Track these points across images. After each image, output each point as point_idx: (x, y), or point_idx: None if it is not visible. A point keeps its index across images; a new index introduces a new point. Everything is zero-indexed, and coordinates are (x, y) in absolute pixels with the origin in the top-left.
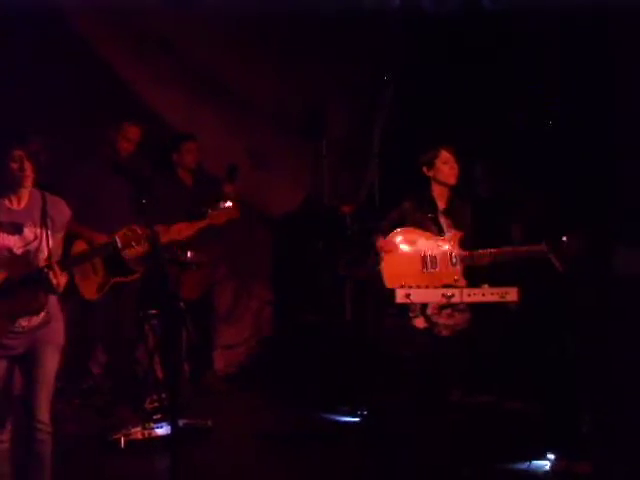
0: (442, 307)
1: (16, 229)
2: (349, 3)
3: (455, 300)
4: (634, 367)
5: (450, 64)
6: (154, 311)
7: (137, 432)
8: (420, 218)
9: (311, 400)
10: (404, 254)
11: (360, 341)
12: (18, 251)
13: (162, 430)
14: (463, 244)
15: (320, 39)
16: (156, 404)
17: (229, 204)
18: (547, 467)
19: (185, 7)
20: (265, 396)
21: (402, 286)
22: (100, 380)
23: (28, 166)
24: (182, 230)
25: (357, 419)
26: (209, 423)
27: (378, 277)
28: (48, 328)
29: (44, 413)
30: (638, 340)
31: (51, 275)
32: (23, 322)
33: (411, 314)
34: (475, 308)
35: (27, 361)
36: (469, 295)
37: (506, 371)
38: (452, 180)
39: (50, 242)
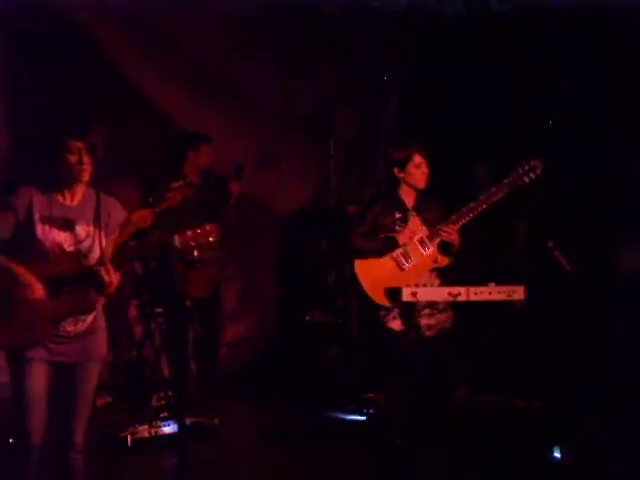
0: (422, 308)
1: (68, 226)
2: (357, 3)
3: (461, 298)
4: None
5: (456, 64)
6: (160, 309)
7: (144, 430)
8: (389, 220)
9: (317, 398)
10: (374, 262)
11: (365, 339)
12: (69, 248)
13: (169, 428)
14: (428, 225)
15: (328, 39)
16: (163, 402)
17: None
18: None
19: (193, 8)
20: (271, 394)
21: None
22: (107, 378)
23: (87, 160)
24: (146, 217)
25: (363, 417)
26: (216, 421)
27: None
28: (94, 338)
29: (80, 434)
30: None
31: (103, 272)
32: (69, 327)
33: (387, 316)
34: (458, 307)
35: (70, 373)
36: (475, 293)
37: (509, 369)
38: (422, 184)
39: (103, 243)
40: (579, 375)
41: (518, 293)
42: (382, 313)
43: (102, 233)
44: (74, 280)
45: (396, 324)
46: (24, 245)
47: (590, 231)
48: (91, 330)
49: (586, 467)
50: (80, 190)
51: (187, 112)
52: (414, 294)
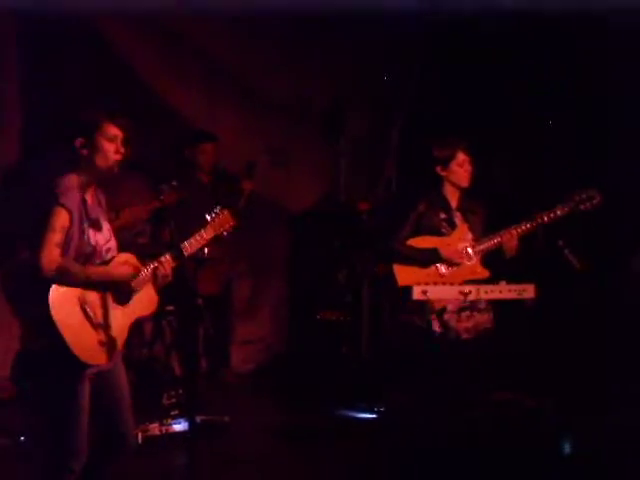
0: (460, 310)
1: (99, 226)
2: (369, 3)
3: (472, 297)
4: None
5: (468, 62)
6: (171, 307)
7: (155, 428)
8: (434, 220)
9: (328, 397)
10: (414, 268)
11: (376, 338)
12: (102, 250)
13: (180, 426)
14: (474, 234)
15: (339, 38)
16: (173, 400)
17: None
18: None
19: (206, 7)
20: (282, 392)
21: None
22: None
23: (124, 151)
24: (136, 212)
25: (374, 415)
26: (226, 419)
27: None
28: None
29: (132, 431)
30: None
31: (160, 268)
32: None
33: (429, 317)
34: (497, 307)
35: (107, 376)
36: (486, 292)
37: (523, 368)
38: (465, 183)
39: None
40: (589, 374)
41: (529, 291)
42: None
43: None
44: (146, 279)
45: (435, 326)
46: (72, 251)
47: (601, 230)
48: (128, 333)
49: (594, 464)
50: (92, 187)
51: (198, 111)
52: (424, 292)
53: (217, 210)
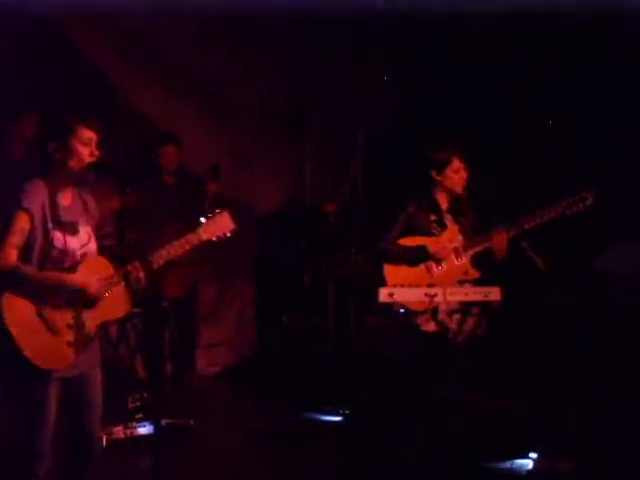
0: (452, 312)
1: (74, 229)
2: (333, 2)
3: (438, 299)
4: (622, 365)
5: (439, 62)
6: (136, 310)
7: (119, 431)
8: (424, 221)
9: (294, 399)
10: (404, 268)
11: (342, 340)
12: (78, 254)
13: (144, 429)
14: (465, 235)
15: (302, 37)
16: (138, 403)
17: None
18: (530, 466)
19: (168, 8)
20: (248, 395)
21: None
22: None
23: (97, 153)
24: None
25: (340, 418)
26: (191, 422)
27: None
28: (96, 344)
29: (97, 441)
30: (624, 338)
31: (134, 271)
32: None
33: (421, 319)
34: (489, 313)
35: (79, 383)
36: (452, 294)
37: (494, 369)
38: (459, 189)
39: (96, 242)
40: (558, 375)
41: (494, 294)
42: (417, 317)
43: (94, 231)
44: (115, 283)
45: (430, 326)
46: (36, 252)
47: (564, 230)
48: (94, 337)
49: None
50: (71, 189)
51: (161, 113)
52: (391, 294)
53: (216, 211)
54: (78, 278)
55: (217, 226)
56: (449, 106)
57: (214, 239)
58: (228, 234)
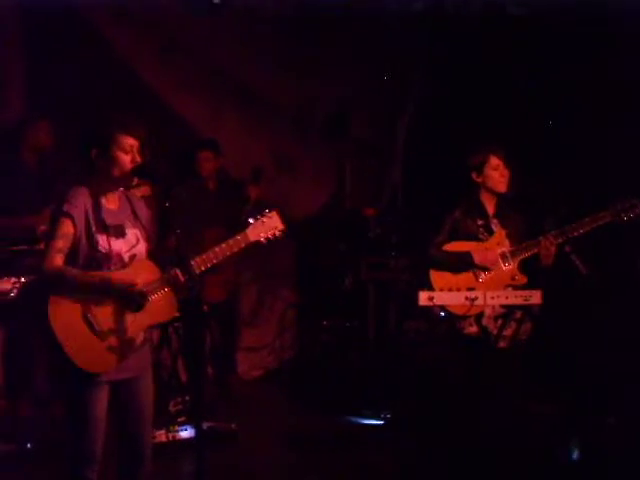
0: (497, 317)
1: (120, 232)
2: (373, 5)
3: (479, 303)
4: None
5: (474, 66)
6: (177, 314)
7: (161, 435)
8: (471, 226)
9: (335, 403)
10: (450, 274)
11: (382, 344)
12: (126, 257)
13: (186, 433)
14: (512, 240)
15: (344, 42)
16: (180, 407)
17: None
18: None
19: (209, 12)
20: (289, 399)
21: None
22: None
23: (139, 159)
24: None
25: (381, 422)
26: (233, 426)
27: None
28: (147, 348)
29: (149, 447)
30: None
31: (180, 274)
32: (135, 343)
33: (463, 323)
34: (537, 317)
35: (130, 387)
36: (492, 298)
37: (537, 374)
38: (502, 188)
39: (145, 244)
40: (596, 379)
41: (535, 297)
42: (460, 321)
43: (144, 233)
44: (160, 287)
45: (472, 330)
46: (82, 257)
47: (607, 235)
48: (145, 340)
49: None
50: (118, 193)
51: (203, 117)
52: (431, 298)
53: (265, 212)
54: (124, 276)
55: (266, 227)
56: (492, 107)
57: (262, 240)
58: (278, 234)
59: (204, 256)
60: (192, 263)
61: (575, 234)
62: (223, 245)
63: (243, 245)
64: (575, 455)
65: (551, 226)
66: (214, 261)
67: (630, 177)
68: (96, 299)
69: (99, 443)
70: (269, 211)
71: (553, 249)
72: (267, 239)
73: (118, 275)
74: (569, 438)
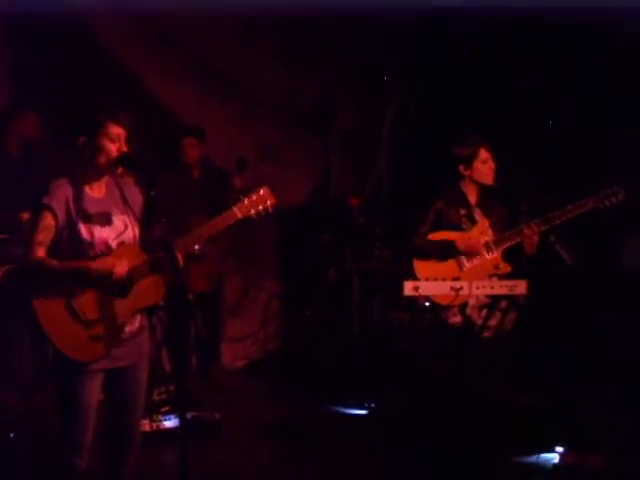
0: (481, 307)
1: (106, 220)
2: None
3: (464, 293)
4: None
5: (459, 60)
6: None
7: (145, 424)
8: (454, 216)
9: (318, 393)
10: (434, 263)
11: (366, 334)
12: (113, 244)
13: (170, 422)
14: (495, 229)
15: (329, 33)
16: (164, 396)
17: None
18: (556, 460)
19: (196, 4)
20: (272, 389)
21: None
22: None
23: (125, 149)
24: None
25: (364, 412)
26: (217, 416)
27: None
28: (143, 336)
29: (138, 435)
30: None
31: (169, 256)
32: (127, 327)
33: (447, 313)
34: (522, 307)
35: (124, 375)
36: (477, 287)
37: (521, 364)
38: (489, 180)
39: (137, 229)
40: (581, 371)
41: (520, 287)
42: (444, 311)
43: (134, 219)
44: (145, 271)
45: (456, 319)
46: (66, 247)
47: (592, 225)
48: (141, 328)
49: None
50: (104, 181)
51: (188, 107)
52: (416, 288)
53: (255, 189)
54: (103, 262)
55: (256, 202)
56: (475, 100)
57: (253, 215)
58: (269, 209)
59: (191, 234)
60: (181, 242)
61: (558, 222)
62: (209, 223)
63: (232, 222)
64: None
65: (524, 214)
66: (202, 240)
67: (618, 168)
68: (80, 288)
69: (89, 431)
70: (258, 187)
71: (536, 238)
72: (258, 214)
73: (97, 263)
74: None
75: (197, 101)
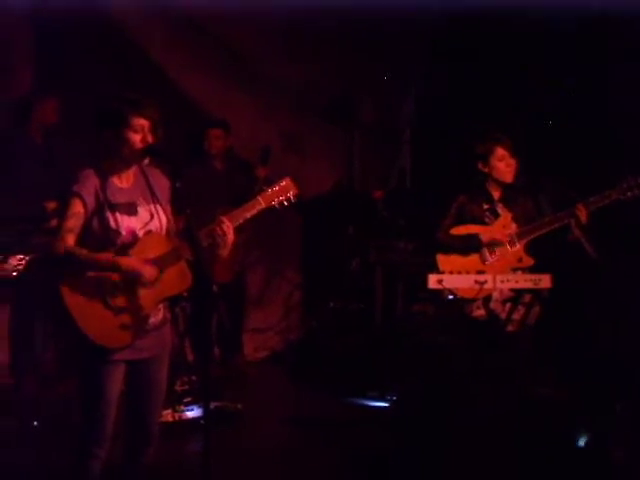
0: (505, 301)
1: (133, 210)
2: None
3: (488, 286)
4: None
5: (482, 54)
6: (185, 293)
7: (167, 414)
8: (477, 210)
9: (340, 385)
10: (457, 257)
11: (389, 327)
12: (140, 233)
13: (192, 413)
14: (518, 223)
15: (353, 26)
16: (186, 387)
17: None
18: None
19: None
20: (294, 380)
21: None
22: None
23: (151, 139)
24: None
25: (385, 404)
26: (239, 407)
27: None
28: (166, 328)
29: (156, 427)
30: None
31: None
32: (150, 319)
33: (471, 306)
34: (546, 302)
35: (145, 367)
36: (502, 281)
37: (544, 358)
38: (508, 178)
39: (164, 218)
40: (605, 364)
41: (545, 281)
42: (468, 305)
43: (161, 208)
44: (171, 260)
45: (480, 313)
46: (94, 236)
47: (617, 218)
48: (164, 320)
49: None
50: (132, 171)
51: (211, 98)
52: (440, 281)
53: (278, 180)
54: (132, 262)
55: (279, 192)
56: (502, 92)
57: (277, 205)
58: (292, 199)
59: (217, 223)
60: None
61: (600, 205)
62: (234, 212)
63: (256, 211)
64: (582, 441)
65: (547, 207)
66: (232, 226)
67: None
68: (108, 276)
69: (110, 421)
70: (281, 178)
71: (585, 218)
72: (281, 204)
73: (126, 261)
74: (577, 423)
75: (221, 92)
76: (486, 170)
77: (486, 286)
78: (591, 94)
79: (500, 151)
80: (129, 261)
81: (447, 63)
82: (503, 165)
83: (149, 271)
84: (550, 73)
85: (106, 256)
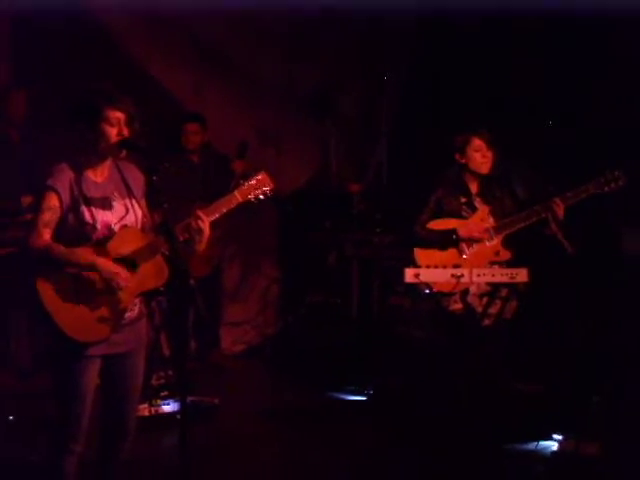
0: (482, 295)
1: (107, 204)
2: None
3: (465, 280)
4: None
5: (461, 50)
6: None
7: (144, 409)
8: (454, 204)
9: (317, 379)
10: (435, 251)
11: (365, 321)
12: (115, 227)
13: (169, 407)
14: (496, 217)
15: (331, 20)
16: (162, 381)
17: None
18: (554, 447)
19: None
20: (272, 374)
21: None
22: None
23: (126, 132)
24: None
25: (363, 398)
26: (215, 401)
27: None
28: (142, 322)
29: (132, 422)
30: None
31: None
32: (126, 313)
33: (448, 300)
34: (523, 296)
35: (121, 362)
36: (478, 275)
37: (520, 352)
38: (484, 169)
39: (139, 213)
40: (581, 358)
41: (521, 275)
42: (445, 298)
43: (136, 203)
44: (150, 254)
45: (457, 307)
46: (69, 230)
47: (593, 213)
48: (140, 314)
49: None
50: (107, 165)
51: (189, 92)
52: (417, 275)
53: (253, 174)
54: (110, 267)
55: (255, 186)
56: (479, 85)
57: (252, 199)
58: (268, 193)
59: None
60: (182, 226)
61: (577, 199)
62: (211, 206)
63: (232, 205)
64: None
65: (524, 201)
66: (208, 220)
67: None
68: (84, 272)
69: (86, 416)
70: (257, 172)
71: (562, 213)
72: (257, 198)
73: (104, 264)
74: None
75: (196, 84)
76: (463, 161)
77: (463, 280)
78: (574, 90)
79: (477, 142)
80: (108, 265)
81: (425, 58)
82: (479, 156)
83: (125, 277)
84: (531, 69)
85: (85, 256)
